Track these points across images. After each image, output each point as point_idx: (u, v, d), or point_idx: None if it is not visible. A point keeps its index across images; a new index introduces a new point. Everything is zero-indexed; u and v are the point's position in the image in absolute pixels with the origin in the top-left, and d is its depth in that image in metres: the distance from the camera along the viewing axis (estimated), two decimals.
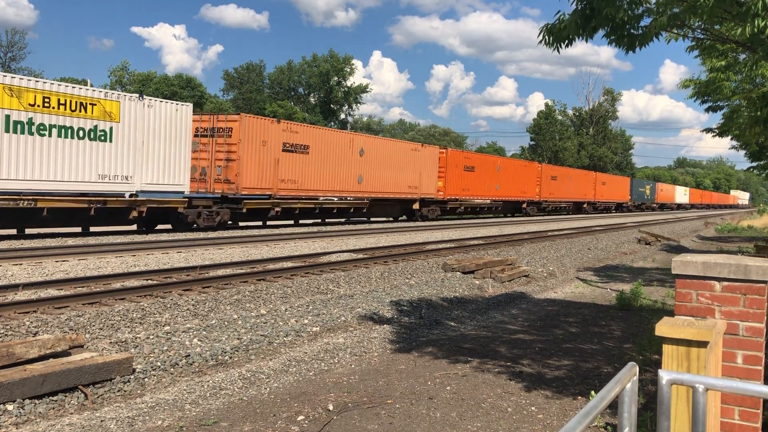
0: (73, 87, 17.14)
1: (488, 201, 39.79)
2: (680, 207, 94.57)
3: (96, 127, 17.26)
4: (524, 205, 45.18)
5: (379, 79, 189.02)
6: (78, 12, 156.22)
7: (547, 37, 5.71)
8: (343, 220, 29.47)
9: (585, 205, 56.86)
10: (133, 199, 18.33)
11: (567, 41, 5.69)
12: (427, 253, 16.09)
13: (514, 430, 4.97)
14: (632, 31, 5.53)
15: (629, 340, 8.29)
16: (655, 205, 79.94)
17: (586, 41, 5.73)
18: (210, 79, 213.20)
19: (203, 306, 8.82)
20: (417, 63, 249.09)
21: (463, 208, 37.18)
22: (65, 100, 16.50)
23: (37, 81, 16.42)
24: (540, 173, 47.21)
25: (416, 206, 32.41)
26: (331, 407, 5.37)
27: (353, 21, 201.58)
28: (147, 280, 10.34)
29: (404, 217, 33.26)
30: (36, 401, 5.30)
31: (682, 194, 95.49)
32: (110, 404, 5.58)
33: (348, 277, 11.88)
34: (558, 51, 5.85)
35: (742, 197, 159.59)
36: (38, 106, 15.90)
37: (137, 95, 18.49)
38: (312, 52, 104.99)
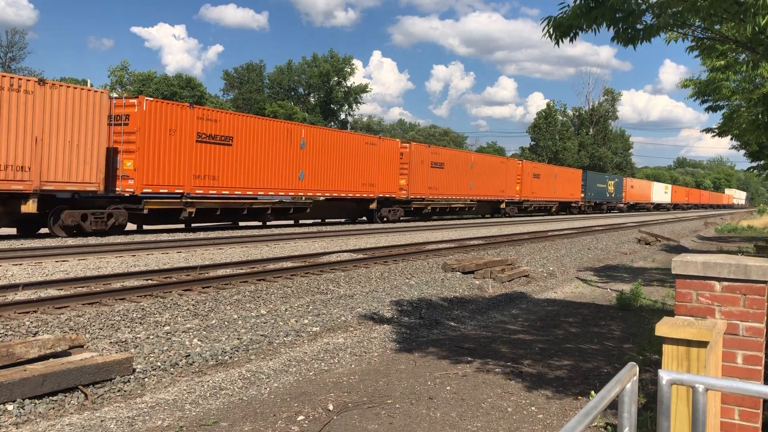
0: None
1: (285, 198, 24.33)
2: (659, 208, 79.26)
3: None
4: (373, 204, 29.21)
5: (379, 79, 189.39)
6: (78, 12, 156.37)
7: (550, 29, 5.69)
8: None
9: (503, 205, 42.13)
10: None
11: (570, 35, 5.66)
12: (427, 253, 16.08)
13: (514, 430, 4.97)
14: (636, 25, 5.51)
15: (629, 340, 8.29)
16: (622, 205, 65.16)
17: (595, 33, 5.71)
18: (210, 79, 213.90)
19: (203, 306, 8.83)
20: (417, 63, 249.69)
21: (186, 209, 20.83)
22: None
23: None
24: (409, 158, 31.04)
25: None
26: (331, 407, 5.37)
27: (353, 21, 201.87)
28: (147, 280, 10.34)
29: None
30: (36, 401, 5.30)
31: (661, 192, 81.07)
32: (110, 404, 5.58)
33: (348, 277, 11.88)
34: (558, 45, 5.83)
35: (738, 197, 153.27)
36: None
37: None
38: (312, 52, 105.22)
